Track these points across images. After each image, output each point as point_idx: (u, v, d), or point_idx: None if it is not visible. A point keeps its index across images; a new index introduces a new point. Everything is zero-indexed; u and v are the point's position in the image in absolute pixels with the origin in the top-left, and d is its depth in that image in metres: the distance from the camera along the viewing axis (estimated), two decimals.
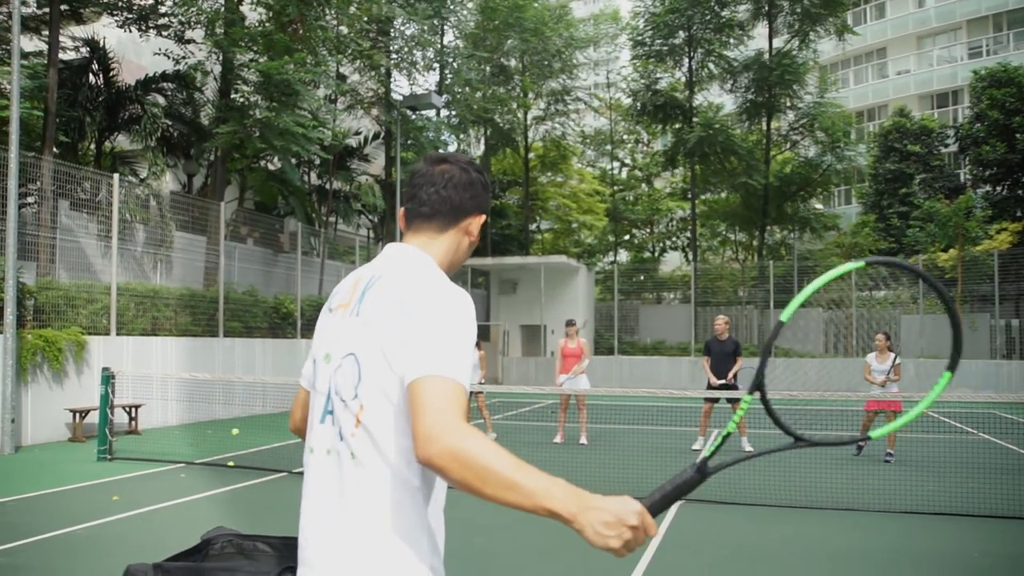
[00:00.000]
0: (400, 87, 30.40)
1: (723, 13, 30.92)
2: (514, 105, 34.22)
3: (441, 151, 2.12)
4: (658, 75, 33.32)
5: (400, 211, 2.09)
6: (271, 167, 24.75)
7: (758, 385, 1.78)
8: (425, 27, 26.97)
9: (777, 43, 31.77)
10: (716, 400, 12.02)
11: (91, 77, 18.45)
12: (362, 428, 1.76)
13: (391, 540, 1.74)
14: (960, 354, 1.82)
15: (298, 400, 2.17)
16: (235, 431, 9.96)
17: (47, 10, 16.12)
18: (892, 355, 11.24)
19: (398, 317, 1.74)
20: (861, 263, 1.78)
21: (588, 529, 1.53)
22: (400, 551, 1.73)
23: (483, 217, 2.06)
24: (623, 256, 42.13)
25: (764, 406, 1.82)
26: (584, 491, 1.53)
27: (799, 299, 1.81)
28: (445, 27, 30.70)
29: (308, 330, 19.19)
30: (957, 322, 1.84)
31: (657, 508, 1.63)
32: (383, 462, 1.74)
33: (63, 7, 16.59)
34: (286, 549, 2.23)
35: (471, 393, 13.36)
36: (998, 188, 32.23)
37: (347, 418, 1.79)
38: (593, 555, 6.26)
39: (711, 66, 32.67)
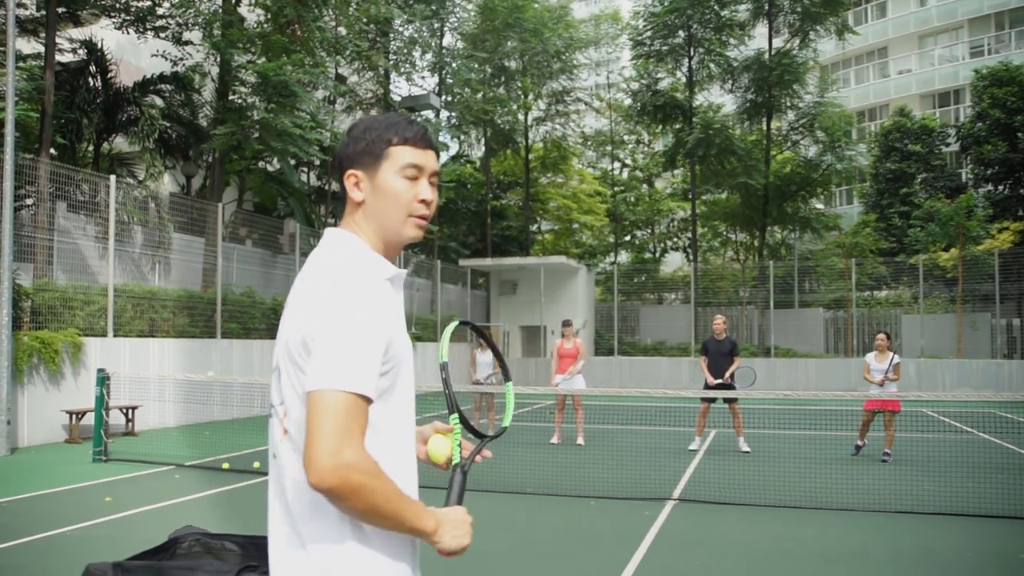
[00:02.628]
0: (399, 88, 30.37)
1: (723, 13, 30.88)
2: (514, 106, 34.20)
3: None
4: (658, 75, 33.30)
5: None
6: (270, 168, 24.76)
7: (456, 407, 1.94)
8: (424, 28, 26.98)
9: (777, 43, 31.72)
10: (713, 400, 11.99)
11: (89, 79, 18.46)
12: (288, 435, 1.74)
13: (313, 540, 1.68)
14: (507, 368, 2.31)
15: None
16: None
17: (44, 12, 16.13)
18: (891, 355, 11.20)
19: (299, 318, 1.69)
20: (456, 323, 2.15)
21: (445, 537, 1.70)
22: (323, 549, 1.68)
23: (355, 176, 1.82)
24: (624, 257, 42.10)
25: (461, 419, 1.94)
26: (431, 508, 1.70)
27: (445, 341, 2.03)
28: (444, 28, 30.72)
29: None
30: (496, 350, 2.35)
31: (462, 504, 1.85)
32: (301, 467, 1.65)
33: (60, 9, 16.61)
34: (252, 548, 2.23)
35: (481, 393, 13.46)
36: (999, 187, 32.18)
37: (275, 425, 1.78)
38: (585, 554, 6.26)
39: (711, 66, 32.57)
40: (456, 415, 1.92)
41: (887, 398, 10.54)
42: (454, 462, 1.91)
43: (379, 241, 1.82)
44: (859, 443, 11.57)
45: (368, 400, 1.62)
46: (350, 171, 1.83)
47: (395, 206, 1.79)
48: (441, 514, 1.71)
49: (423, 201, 1.81)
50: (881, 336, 11.43)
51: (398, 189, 1.79)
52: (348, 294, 1.65)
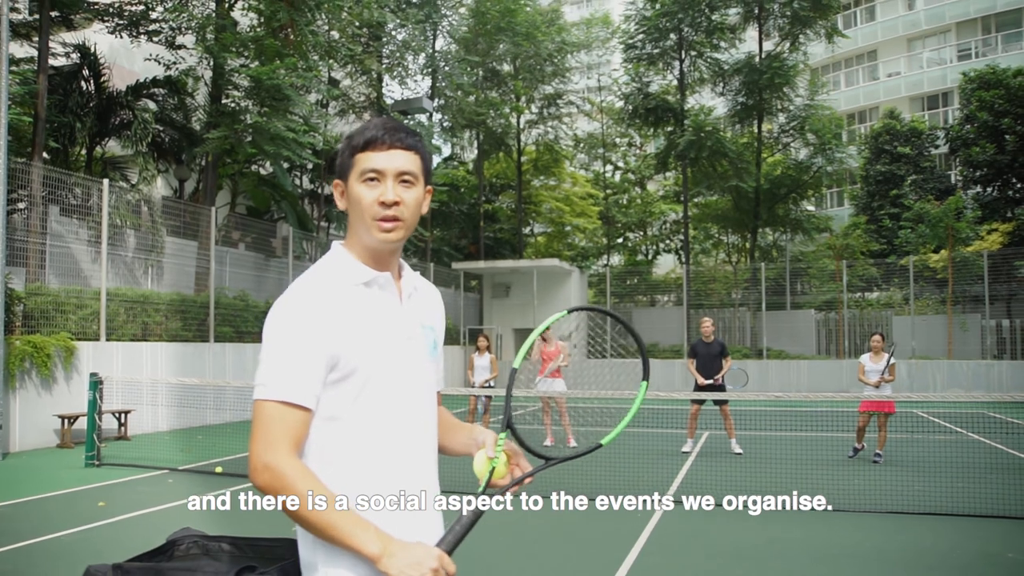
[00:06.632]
0: (392, 91, 30.39)
1: (713, 16, 30.95)
2: (506, 109, 34.24)
3: None
4: (650, 78, 33.37)
5: None
6: (263, 172, 24.75)
7: (508, 423, 1.92)
8: (416, 32, 27.01)
9: (767, 46, 31.83)
10: (703, 402, 12.05)
11: (82, 83, 18.43)
12: None
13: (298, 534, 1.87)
14: (648, 366, 2.12)
15: None
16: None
17: (37, 16, 16.13)
18: (886, 356, 11.24)
19: None
20: (564, 312, 2.09)
21: (393, 569, 1.64)
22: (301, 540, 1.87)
23: (339, 186, 1.90)
24: (616, 259, 42.19)
25: (516, 439, 1.96)
26: (389, 536, 1.68)
27: (527, 345, 2.03)
28: (437, 31, 30.77)
29: None
30: (638, 339, 2.12)
31: (450, 549, 1.75)
32: None
33: (53, 13, 16.59)
34: (250, 549, 2.26)
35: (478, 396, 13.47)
36: (988, 189, 32.37)
37: None
38: (578, 557, 6.30)
39: (702, 69, 32.71)
40: (507, 433, 1.91)
41: (883, 399, 10.60)
42: (479, 491, 1.84)
43: (362, 247, 1.87)
44: (857, 446, 11.54)
45: (301, 408, 1.73)
46: (336, 181, 1.92)
47: (359, 213, 1.83)
48: (395, 545, 1.67)
49: (383, 203, 1.81)
50: (877, 337, 11.46)
51: (359, 196, 1.83)
52: (283, 309, 1.77)
